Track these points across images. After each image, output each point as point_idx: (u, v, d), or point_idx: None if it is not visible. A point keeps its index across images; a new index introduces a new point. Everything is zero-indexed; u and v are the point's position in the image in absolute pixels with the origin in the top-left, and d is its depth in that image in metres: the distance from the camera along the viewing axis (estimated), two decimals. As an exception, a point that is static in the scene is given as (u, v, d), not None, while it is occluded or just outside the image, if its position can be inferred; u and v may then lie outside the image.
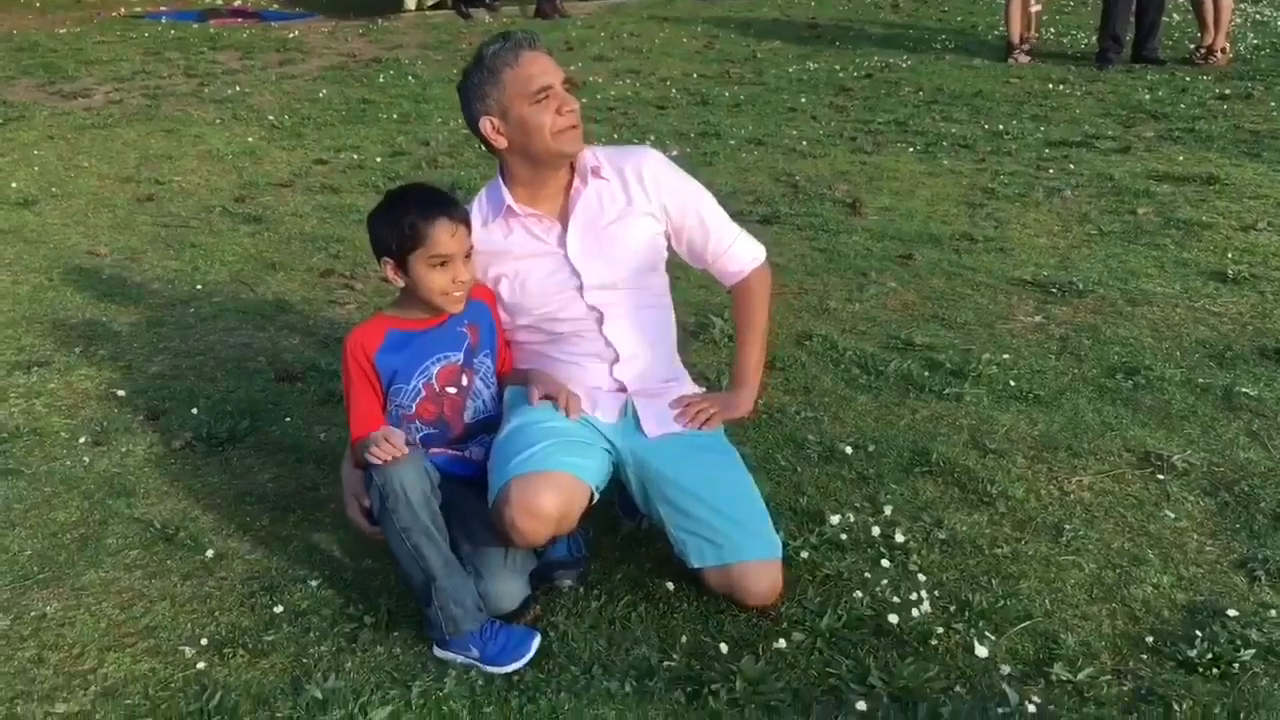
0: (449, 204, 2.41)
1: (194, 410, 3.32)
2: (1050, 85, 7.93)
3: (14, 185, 5.67)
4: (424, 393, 2.47)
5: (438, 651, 2.29)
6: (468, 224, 2.43)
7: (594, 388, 2.55)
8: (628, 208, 2.57)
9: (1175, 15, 10.30)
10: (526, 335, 2.62)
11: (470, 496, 2.43)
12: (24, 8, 12.46)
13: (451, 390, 2.50)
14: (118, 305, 4.14)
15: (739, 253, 2.68)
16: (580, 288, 2.54)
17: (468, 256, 2.43)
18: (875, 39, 10.23)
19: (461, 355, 2.49)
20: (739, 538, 2.39)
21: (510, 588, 2.37)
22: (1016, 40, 9.03)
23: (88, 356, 3.69)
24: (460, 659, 2.26)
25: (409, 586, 2.33)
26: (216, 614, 2.44)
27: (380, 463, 2.22)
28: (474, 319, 2.52)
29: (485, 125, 2.50)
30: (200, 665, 2.27)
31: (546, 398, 2.48)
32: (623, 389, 2.57)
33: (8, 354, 3.71)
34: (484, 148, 2.59)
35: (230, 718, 2.13)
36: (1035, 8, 9.41)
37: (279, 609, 2.44)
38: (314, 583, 2.54)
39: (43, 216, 5.21)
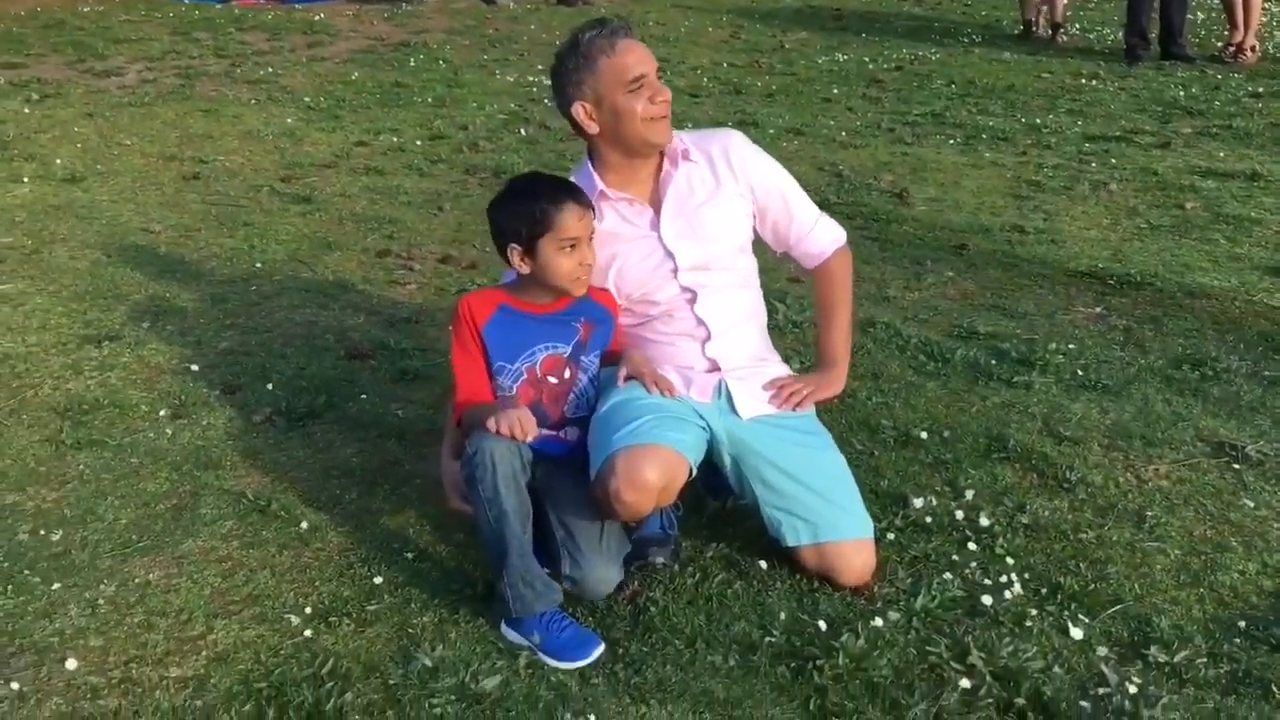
0: (574, 189, 2.46)
1: (269, 386, 3.34)
2: (1082, 80, 7.96)
3: (58, 161, 5.69)
4: (525, 376, 2.50)
5: (503, 629, 2.30)
6: (591, 208, 2.47)
7: (687, 367, 2.58)
8: (717, 189, 2.60)
9: (1199, 13, 10.34)
10: (623, 318, 2.65)
11: (566, 479, 2.45)
12: (46, -15, 12.45)
13: (553, 380, 2.52)
14: (179, 282, 4.16)
15: (821, 234, 2.73)
16: (675, 269, 2.57)
17: (591, 239, 2.46)
18: (901, 31, 10.25)
19: (570, 349, 2.51)
20: (833, 516, 2.43)
21: (606, 573, 2.39)
22: (1032, 18, 9.28)
23: (156, 331, 3.71)
24: (523, 642, 2.27)
25: (489, 558, 2.35)
26: (317, 583, 2.47)
27: (492, 432, 2.25)
28: (592, 318, 2.54)
29: (578, 110, 2.53)
30: (307, 633, 2.30)
31: (631, 378, 2.51)
32: (716, 368, 2.60)
33: (75, 327, 3.73)
34: (575, 132, 2.62)
35: (343, 684, 2.16)
36: None
37: (379, 580, 2.47)
38: (409, 555, 2.57)
39: (91, 193, 5.23)
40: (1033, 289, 4.10)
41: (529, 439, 2.29)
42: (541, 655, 2.24)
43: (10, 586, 2.42)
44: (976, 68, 8.51)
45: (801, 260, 2.77)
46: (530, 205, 2.40)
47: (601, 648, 2.26)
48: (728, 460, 2.52)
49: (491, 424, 2.26)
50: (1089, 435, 3.08)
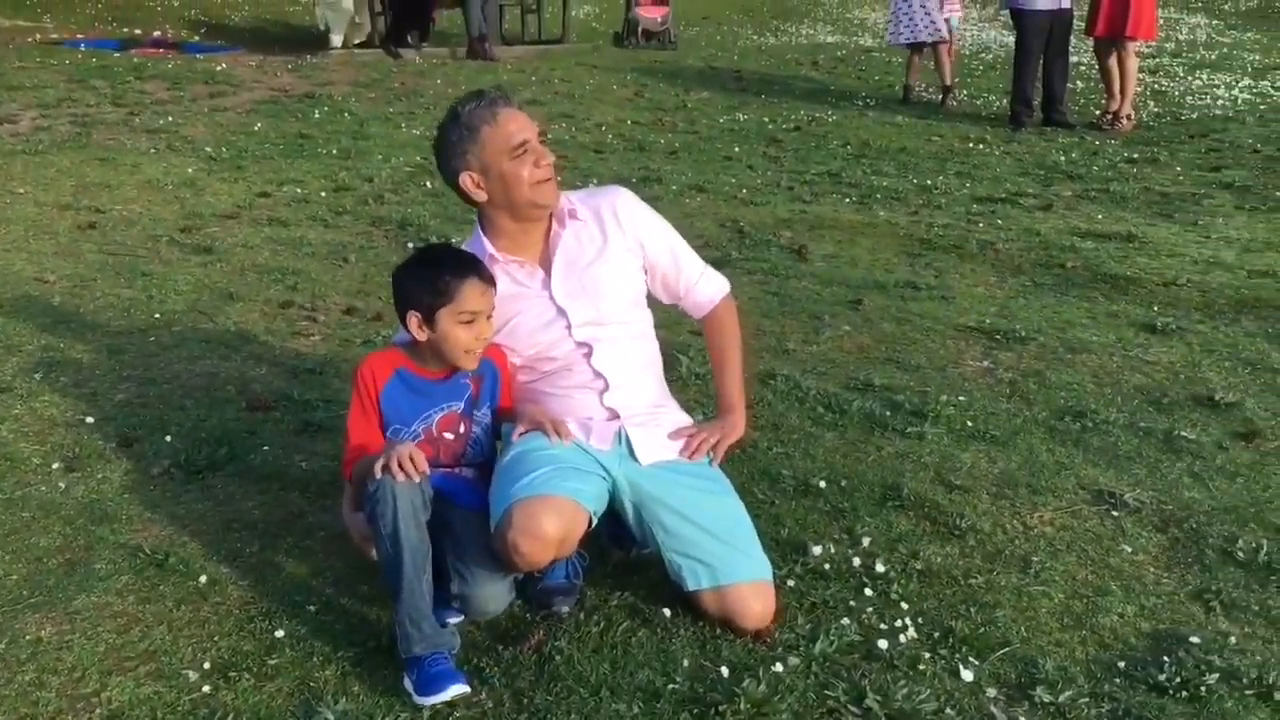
0: (479, 265, 2.51)
1: (168, 438, 3.30)
2: (969, 144, 8.29)
3: (-54, 210, 5.55)
4: (422, 436, 2.55)
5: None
6: (494, 284, 2.51)
7: (586, 418, 2.63)
8: (605, 246, 2.67)
9: (1079, 82, 10.83)
10: (520, 375, 2.70)
11: (461, 515, 2.49)
12: (-66, 29, 12.16)
13: (449, 436, 2.58)
14: (74, 333, 4.08)
15: (706, 285, 2.85)
16: (568, 326, 2.63)
17: (489, 316, 2.50)
18: (799, 93, 10.55)
19: (463, 405, 2.57)
20: (732, 559, 2.49)
21: (493, 589, 2.43)
22: (912, 84, 9.88)
23: (49, 383, 3.64)
24: (407, 685, 2.26)
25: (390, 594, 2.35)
26: (216, 638, 2.44)
27: (390, 475, 2.27)
28: (479, 372, 2.59)
29: (465, 180, 2.59)
30: (205, 689, 2.27)
31: (529, 430, 2.55)
32: (615, 416, 2.65)
33: (-35, 379, 3.64)
34: (464, 201, 2.67)
35: (243, 740, 2.14)
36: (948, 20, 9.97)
37: (280, 633, 2.45)
38: (312, 608, 2.55)
39: (-19, 242, 5.11)
40: (924, 343, 4.24)
41: (420, 469, 2.31)
42: (414, 695, 2.24)
43: (-108, 645, 2.35)
44: (870, 130, 8.80)
45: (690, 310, 2.88)
46: (434, 275, 2.45)
47: (459, 689, 2.23)
48: (629, 507, 2.56)
49: (381, 462, 2.28)
50: (978, 484, 3.20)
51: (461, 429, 2.57)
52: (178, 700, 2.25)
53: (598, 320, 2.63)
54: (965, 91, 10.75)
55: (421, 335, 2.48)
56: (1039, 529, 2.98)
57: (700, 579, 2.48)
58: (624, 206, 2.71)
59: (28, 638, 2.41)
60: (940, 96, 10.08)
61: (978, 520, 3.00)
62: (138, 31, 13.15)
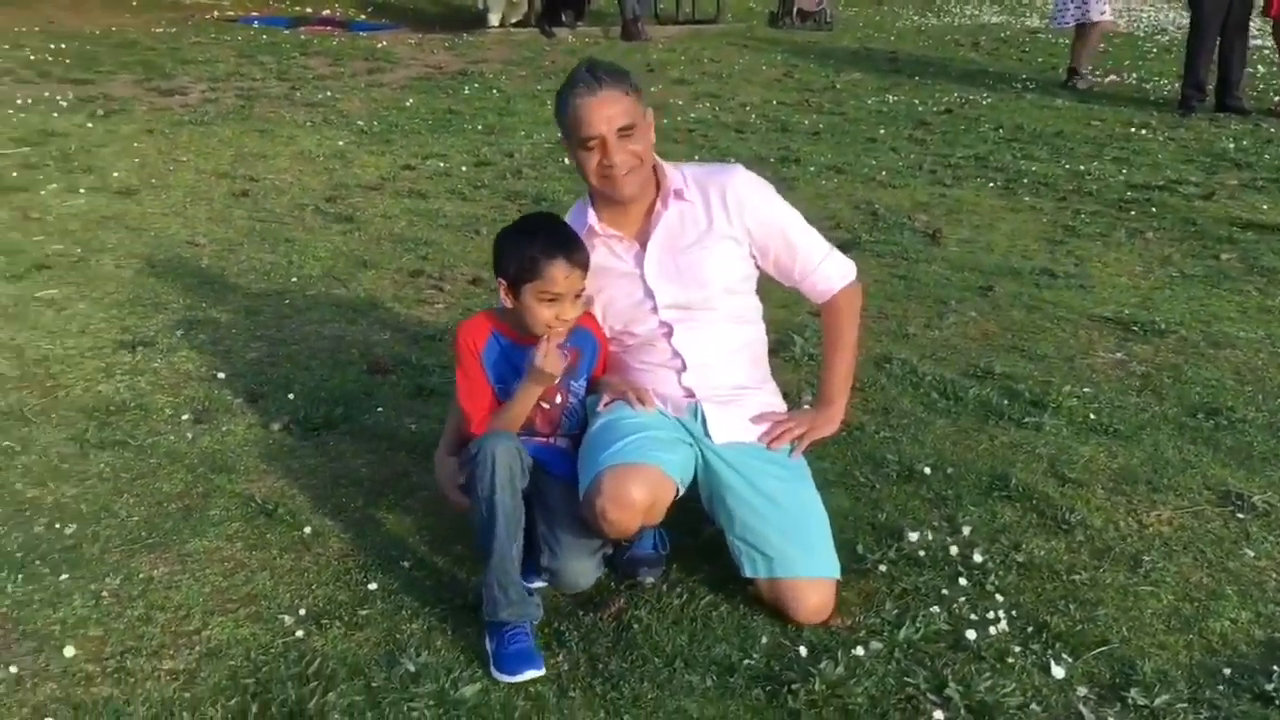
0: (571, 245, 2.49)
1: (290, 395, 3.44)
2: (1132, 129, 7.92)
3: (115, 175, 5.89)
4: None
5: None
6: (585, 266, 2.51)
7: (663, 394, 2.62)
8: (708, 230, 2.61)
9: (1260, 67, 10.24)
10: (609, 344, 2.71)
11: (552, 479, 2.53)
12: (121, 6, 12.84)
13: (545, 405, 2.59)
14: (216, 293, 4.29)
15: (828, 271, 2.72)
16: (654, 306, 2.61)
17: (578, 296, 2.51)
18: (955, 75, 10.26)
19: (559, 375, 2.57)
20: (791, 553, 2.44)
21: (582, 564, 2.45)
22: (1080, 67, 9.38)
23: (189, 340, 3.83)
24: (486, 647, 2.30)
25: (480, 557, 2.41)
26: (314, 586, 2.54)
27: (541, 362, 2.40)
28: (578, 343, 2.61)
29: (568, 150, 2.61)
30: (299, 633, 2.37)
31: (613, 400, 2.56)
32: (691, 395, 2.63)
33: (113, 333, 3.86)
34: None
35: (328, 684, 2.22)
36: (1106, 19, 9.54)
37: (373, 586, 2.53)
38: (406, 564, 2.63)
39: (143, 206, 5.40)
40: (1054, 332, 4.09)
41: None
42: (492, 667, 2.27)
43: (21, 576, 2.52)
44: (1026, 113, 8.50)
45: (809, 295, 2.77)
46: (525, 249, 2.47)
47: (535, 673, 2.25)
48: (701, 483, 2.55)
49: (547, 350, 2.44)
50: (1094, 478, 3.07)
51: (558, 399, 2.59)
52: (271, 642, 2.35)
53: (685, 304, 2.60)
54: (1135, 74, 10.29)
55: (508, 302, 2.52)
56: (1155, 528, 2.85)
57: (758, 567, 2.45)
58: (735, 190, 2.63)
59: (141, 576, 2.55)
60: (1066, 77, 9.69)
61: (1089, 515, 2.89)
62: (308, 10, 13.65)
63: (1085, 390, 3.58)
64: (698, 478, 2.55)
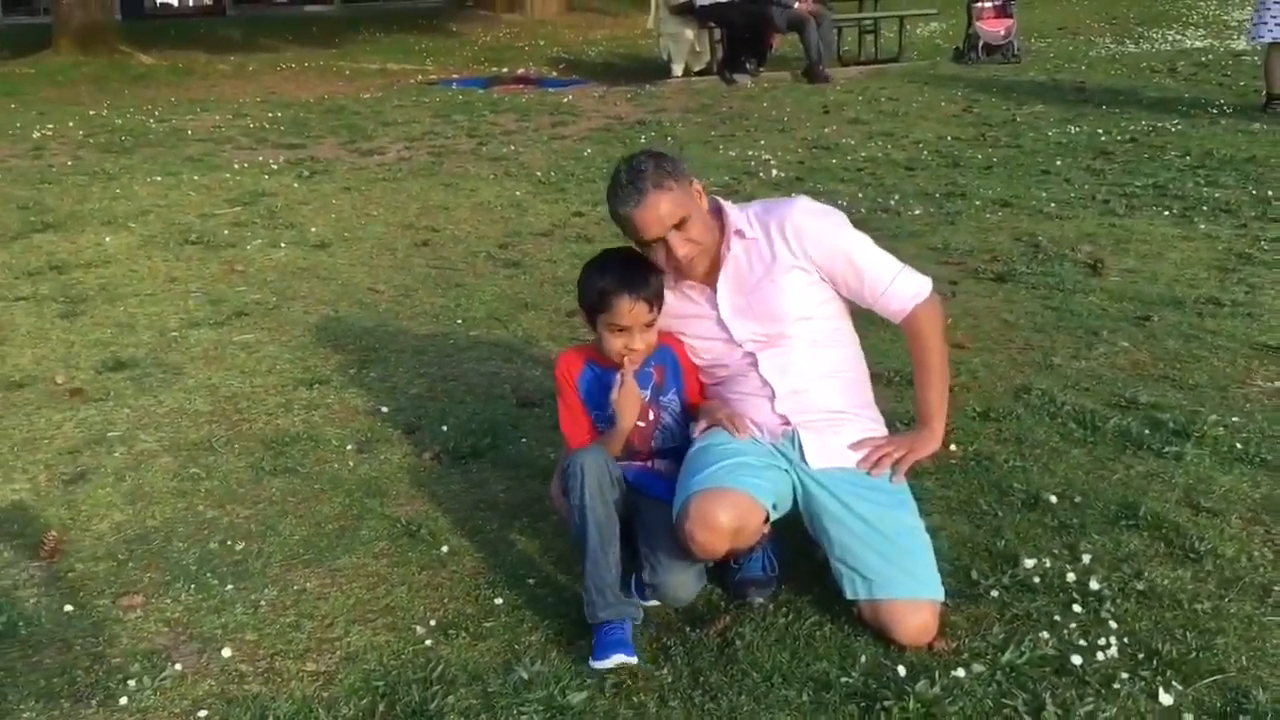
0: (638, 280, 2.62)
1: (444, 427, 3.69)
2: (1336, 151, 7.50)
3: (313, 230, 6.39)
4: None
5: None
6: (650, 301, 2.63)
7: (759, 422, 2.70)
8: (773, 264, 2.68)
9: None
10: (703, 378, 2.83)
11: (653, 506, 2.66)
12: (335, 75, 13.84)
13: (640, 424, 2.74)
14: (389, 335, 4.62)
15: (900, 290, 2.70)
16: (735, 341, 2.71)
17: (649, 325, 2.64)
18: (1146, 103, 9.92)
19: (649, 393, 2.72)
20: (891, 575, 2.48)
21: (683, 577, 2.56)
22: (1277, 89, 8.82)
23: (360, 378, 4.16)
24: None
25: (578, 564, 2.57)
26: (446, 600, 2.74)
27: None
28: (660, 361, 2.75)
29: None
30: (428, 642, 2.57)
31: (710, 427, 2.67)
32: (786, 423, 2.69)
33: (295, 372, 4.23)
34: None
35: (449, 688, 2.40)
36: None
37: (499, 600, 2.72)
38: (531, 581, 2.81)
39: (334, 257, 5.85)
40: (1210, 361, 3.96)
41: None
42: (590, 657, 2.45)
43: (193, 586, 2.82)
44: (1218, 139, 8.15)
45: (886, 317, 2.75)
46: (597, 283, 2.64)
47: (624, 658, 2.41)
48: (802, 508, 2.63)
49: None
50: (1231, 508, 2.98)
51: (651, 415, 2.74)
52: (403, 649, 2.56)
53: (761, 337, 2.69)
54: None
55: (591, 329, 2.69)
56: (1292, 558, 2.75)
57: (858, 589, 2.50)
58: (793, 220, 2.67)
59: (295, 588, 2.81)
60: (1265, 102, 9.17)
61: (1220, 544, 2.81)
62: (504, 70, 14.34)
63: (1234, 419, 3.46)
64: (798, 503, 2.63)
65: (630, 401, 2.65)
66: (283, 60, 15.57)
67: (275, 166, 8.25)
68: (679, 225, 2.57)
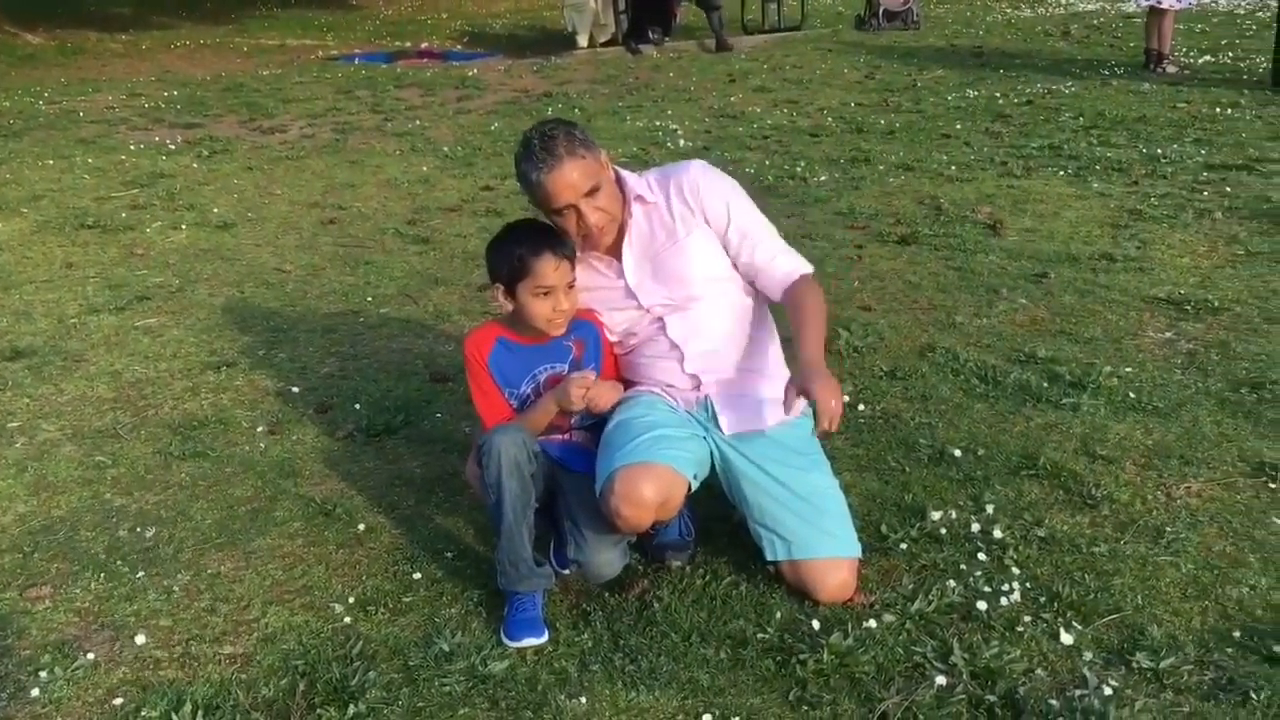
0: (555, 241, 2.62)
1: (357, 405, 3.67)
2: (1219, 110, 7.76)
3: (215, 210, 6.26)
4: (532, 397, 2.73)
5: None
6: (571, 259, 2.63)
7: (669, 385, 2.74)
8: (675, 226, 2.70)
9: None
10: (616, 349, 2.84)
11: (575, 476, 2.68)
12: (232, 52, 13.52)
13: None
14: (298, 314, 4.57)
15: (786, 263, 2.71)
16: (640, 306, 2.72)
17: (570, 286, 2.64)
18: (1042, 66, 10.15)
19: (567, 367, 2.73)
20: (810, 535, 2.54)
21: (607, 555, 2.59)
22: (1164, 50, 9.19)
23: (269, 359, 4.11)
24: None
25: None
26: (364, 578, 2.74)
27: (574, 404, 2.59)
28: (580, 335, 2.75)
29: None
30: (347, 620, 2.57)
31: (624, 401, 2.71)
32: (697, 385, 2.72)
33: (201, 355, 4.16)
34: None
35: (370, 664, 2.41)
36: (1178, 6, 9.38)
37: (418, 575, 2.72)
38: (449, 554, 2.82)
39: (238, 238, 5.74)
40: (1104, 315, 4.10)
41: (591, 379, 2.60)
42: (502, 634, 2.47)
43: (102, 575, 2.77)
44: (1110, 100, 8.38)
45: (768, 286, 2.72)
46: (512, 251, 2.61)
47: (536, 640, 2.44)
48: (719, 472, 2.67)
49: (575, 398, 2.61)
50: (1125, 455, 3.10)
51: None
52: (322, 628, 2.55)
53: (669, 301, 2.70)
54: (1230, 54, 10.03)
55: (507, 306, 2.67)
56: (1182, 500, 2.87)
57: (778, 550, 2.56)
58: (690, 178, 2.69)
59: (209, 572, 2.78)
60: (1152, 63, 9.46)
61: (1116, 490, 2.92)
62: (408, 44, 14.16)
63: (1127, 370, 3.59)
64: (715, 468, 2.67)
65: (607, 394, 2.66)
66: (177, 38, 15.18)
67: (173, 147, 8.06)
68: (590, 193, 2.58)
